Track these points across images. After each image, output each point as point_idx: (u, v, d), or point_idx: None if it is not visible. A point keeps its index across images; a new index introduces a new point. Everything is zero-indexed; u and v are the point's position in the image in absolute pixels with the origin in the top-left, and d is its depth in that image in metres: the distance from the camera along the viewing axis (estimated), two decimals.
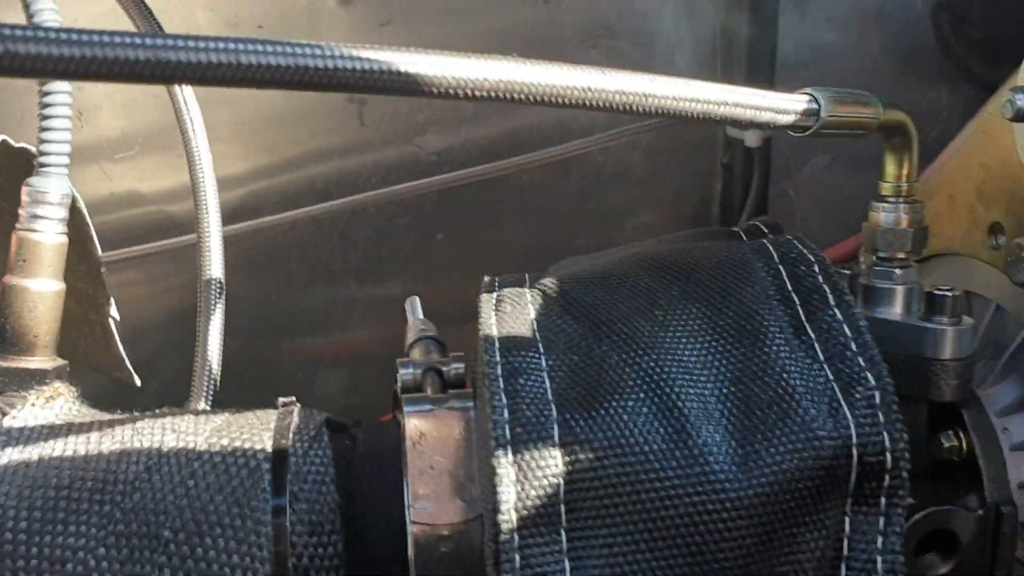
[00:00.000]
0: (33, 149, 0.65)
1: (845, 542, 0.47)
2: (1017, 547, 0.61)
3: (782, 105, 0.50)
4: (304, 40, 1.02)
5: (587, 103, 0.43)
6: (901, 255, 0.60)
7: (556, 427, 0.46)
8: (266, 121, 1.04)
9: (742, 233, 0.60)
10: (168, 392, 0.75)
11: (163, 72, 0.35)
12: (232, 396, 0.68)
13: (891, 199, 0.60)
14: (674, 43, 1.09)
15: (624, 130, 1.10)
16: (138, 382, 0.81)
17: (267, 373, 1.13)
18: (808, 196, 1.16)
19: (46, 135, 0.59)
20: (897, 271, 0.60)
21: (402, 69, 0.39)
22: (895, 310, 0.60)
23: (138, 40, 0.35)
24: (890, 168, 0.60)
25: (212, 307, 0.69)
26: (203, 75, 0.36)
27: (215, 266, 0.70)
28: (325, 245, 1.10)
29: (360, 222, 1.09)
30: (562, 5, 1.05)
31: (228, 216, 1.06)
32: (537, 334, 0.51)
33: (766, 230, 0.60)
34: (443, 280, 1.11)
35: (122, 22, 0.75)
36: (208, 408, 0.69)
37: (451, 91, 0.40)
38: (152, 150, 1.04)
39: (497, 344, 0.50)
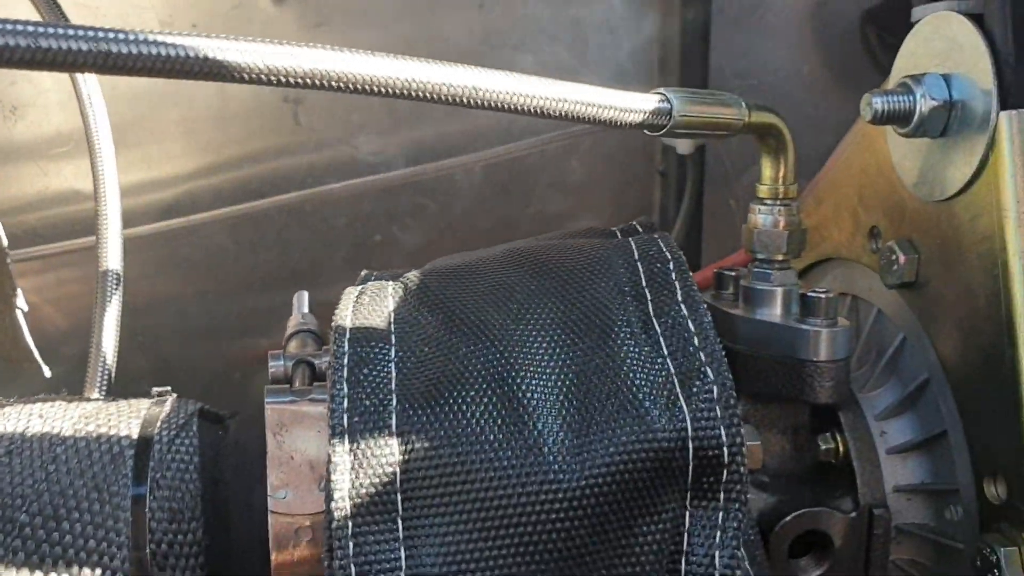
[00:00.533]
0: None
1: (684, 536, 0.47)
2: (891, 550, 0.61)
3: (630, 104, 0.50)
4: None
5: (412, 94, 0.44)
6: (779, 257, 0.61)
7: (394, 416, 0.46)
8: (206, 120, 1.05)
9: (618, 232, 0.61)
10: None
11: None
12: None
13: (768, 201, 0.61)
14: (609, 50, 1.10)
15: (561, 134, 1.10)
16: (47, 372, 0.81)
17: (204, 375, 1.13)
18: (747, 205, 1.16)
19: None
20: (775, 273, 0.61)
21: (209, 55, 0.39)
22: (774, 311, 0.61)
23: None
24: (766, 171, 0.60)
25: (108, 298, 0.70)
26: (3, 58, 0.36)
27: (112, 258, 0.70)
28: (262, 244, 1.10)
29: (297, 222, 1.09)
30: (496, 11, 1.06)
31: (164, 212, 1.07)
32: (392, 326, 0.51)
33: (640, 230, 0.60)
34: None
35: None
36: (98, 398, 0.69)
37: (263, 77, 0.41)
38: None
39: (348, 335, 0.50)
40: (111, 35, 0.39)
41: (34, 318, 0.81)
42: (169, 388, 0.60)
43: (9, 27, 0.38)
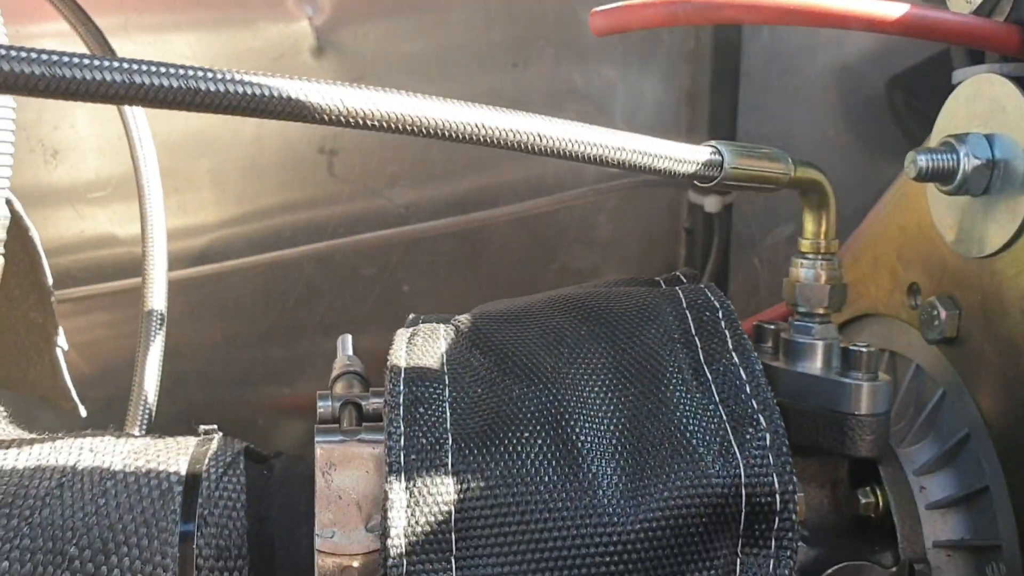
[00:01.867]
0: None
1: None
2: None
3: (683, 155, 0.52)
4: None
5: (480, 139, 0.45)
6: (820, 310, 0.61)
7: (450, 455, 0.47)
8: (240, 171, 1.07)
9: (662, 282, 0.62)
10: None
11: (60, 88, 0.38)
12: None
13: (810, 255, 0.62)
14: (638, 112, 1.12)
15: (589, 190, 1.12)
16: (83, 412, 0.82)
17: (228, 420, 1.13)
18: (771, 265, 1.18)
19: None
20: (816, 326, 0.61)
21: (291, 95, 0.41)
22: (815, 364, 0.61)
23: (36, 55, 0.37)
24: (808, 225, 0.61)
25: (152, 337, 0.70)
26: (99, 92, 0.38)
27: (157, 298, 0.71)
28: (291, 292, 1.11)
29: (327, 271, 1.11)
30: (529, 70, 1.08)
31: (195, 259, 1.08)
32: (445, 367, 0.52)
33: (684, 280, 0.61)
34: None
35: None
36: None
37: (342, 119, 0.42)
38: (125, 191, 1.06)
39: (403, 375, 0.51)
40: (200, 73, 0.40)
41: None
42: (216, 426, 0.61)
43: (107, 64, 0.39)
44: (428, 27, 1.06)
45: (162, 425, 0.79)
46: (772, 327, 0.65)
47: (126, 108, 0.76)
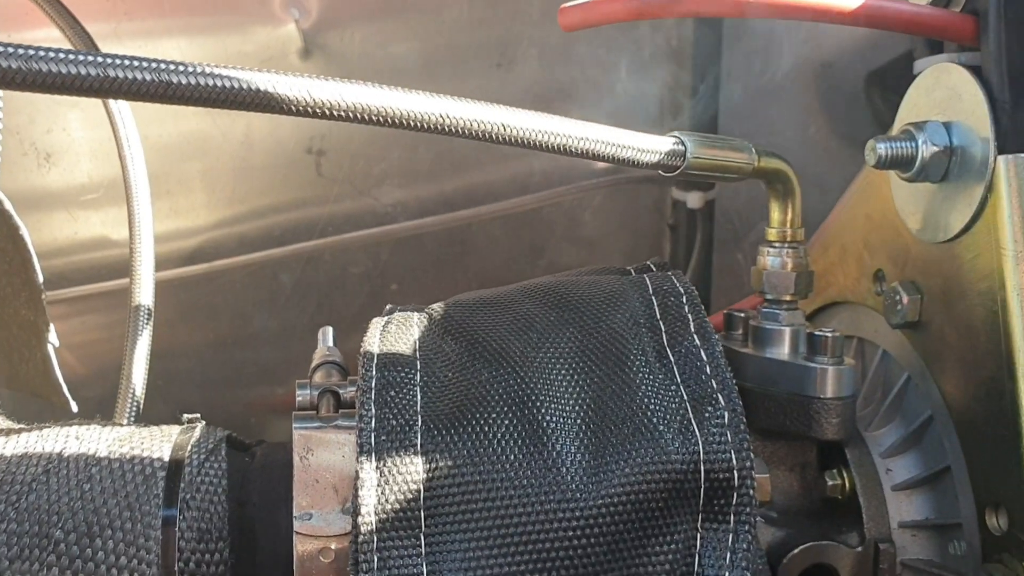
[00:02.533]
0: None
1: (696, 557, 0.49)
2: None
3: (647, 145, 0.53)
4: None
5: (445, 129, 0.47)
6: (787, 297, 0.63)
7: (420, 436, 0.49)
8: (230, 172, 1.08)
9: (632, 270, 0.63)
10: None
11: (37, 81, 0.39)
12: None
13: (776, 244, 0.63)
14: (622, 108, 1.14)
15: (574, 187, 1.14)
16: (74, 407, 0.84)
17: (220, 420, 1.15)
18: (755, 260, 1.19)
19: None
20: (783, 313, 0.63)
21: (260, 87, 0.43)
22: (782, 350, 0.63)
23: (11, 50, 0.39)
24: (775, 214, 0.63)
25: (139, 332, 0.72)
26: (75, 86, 0.39)
27: (145, 294, 0.73)
28: (281, 292, 1.13)
29: (316, 270, 1.12)
30: (515, 70, 1.10)
31: (186, 259, 1.10)
32: (417, 352, 0.53)
33: (654, 268, 0.63)
34: None
35: None
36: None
37: (310, 110, 0.44)
38: (117, 194, 1.07)
39: (376, 360, 0.52)
40: (172, 67, 0.42)
41: None
42: (199, 415, 0.63)
43: (80, 57, 0.41)
44: (413, 28, 1.08)
45: (153, 424, 0.81)
46: (742, 315, 0.67)
47: (114, 110, 0.78)
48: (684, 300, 0.55)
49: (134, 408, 0.72)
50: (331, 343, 0.68)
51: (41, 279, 0.78)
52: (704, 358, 0.51)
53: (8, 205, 0.75)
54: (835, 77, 1.11)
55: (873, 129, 1.07)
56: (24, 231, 0.76)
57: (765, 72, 1.14)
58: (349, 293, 1.13)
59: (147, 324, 0.73)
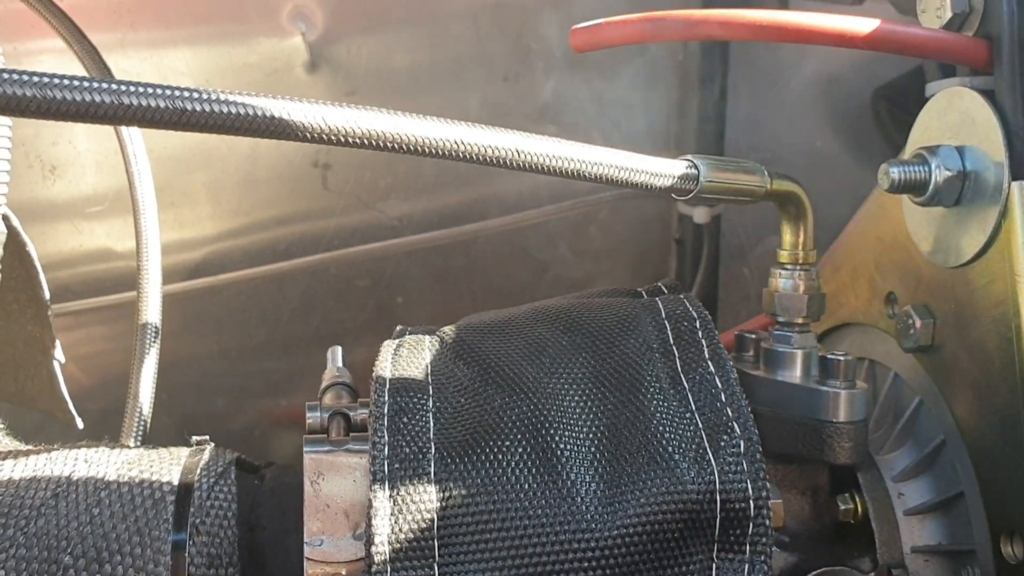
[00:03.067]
0: None
1: None
2: None
3: (660, 169, 0.53)
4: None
5: (459, 155, 0.46)
6: (799, 320, 0.63)
7: (433, 464, 0.48)
8: (236, 185, 1.08)
9: (643, 292, 0.63)
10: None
11: (51, 109, 0.39)
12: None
13: (788, 266, 0.63)
14: (628, 123, 1.13)
15: (581, 202, 1.14)
16: (80, 424, 0.83)
17: (224, 431, 1.15)
18: (762, 275, 1.19)
19: None
20: (795, 335, 0.63)
21: (274, 114, 0.42)
22: (794, 373, 0.63)
23: (27, 77, 0.39)
24: (787, 236, 0.63)
25: (146, 350, 0.72)
26: (88, 113, 0.39)
27: (152, 311, 0.73)
28: (286, 305, 1.12)
29: (322, 283, 1.12)
30: (520, 83, 1.10)
31: (192, 272, 1.10)
32: (429, 377, 0.53)
33: (666, 290, 0.62)
34: None
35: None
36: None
37: (323, 136, 0.44)
38: (122, 206, 1.07)
39: (388, 386, 0.52)
40: (186, 94, 0.42)
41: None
42: (207, 437, 0.62)
43: (96, 85, 0.41)
44: (419, 40, 1.08)
45: (158, 437, 0.81)
46: (753, 336, 0.66)
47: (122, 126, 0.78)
48: (698, 325, 0.55)
49: (141, 427, 0.71)
50: (340, 363, 0.68)
51: (47, 296, 0.78)
52: (719, 385, 0.51)
53: (16, 222, 0.75)
54: (842, 91, 1.11)
55: (881, 144, 1.07)
56: (31, 248, 0.76)
57: (772, 86, 1.14)
58: (354, 306, 1.13)
59: (154, 343, 0.73)
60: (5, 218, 0.72)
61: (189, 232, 1.09)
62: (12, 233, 0.75)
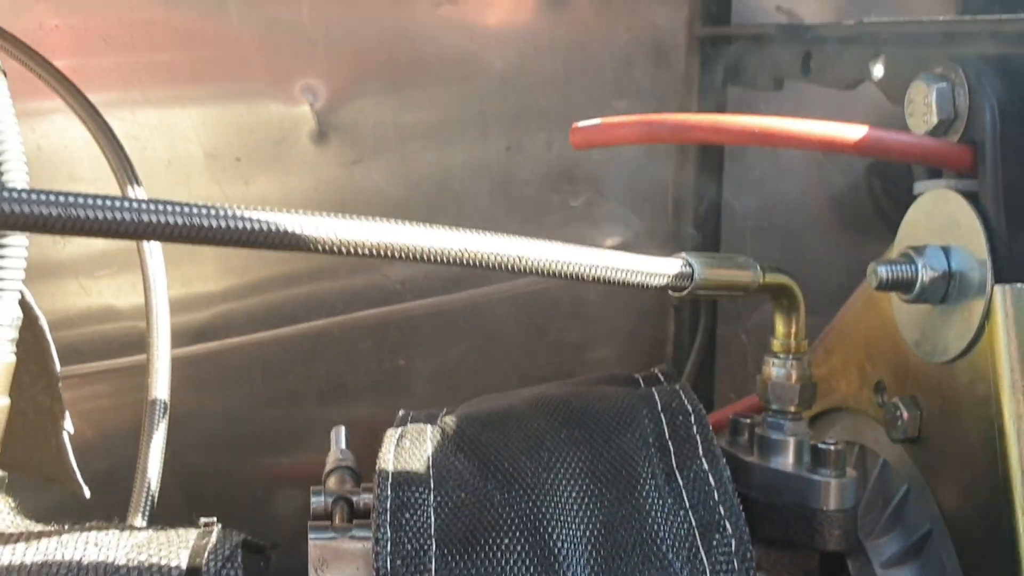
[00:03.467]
0: None
1: None
2: None
3: (655, 269, 0.55)
4: (278, 176, 1.09)
5: (465, 262, 0.49)
6: (791, 408, 0.65)
7: (434, 562, 0.50)
8: None
9: (641, 380, 0.65)
10: (127, 505, 0.79)
11: (75, 227, 0.41)
12: (186, 511, 0.72)
13: (781, 355, 0.65)
14: (628, 190, 1.16)
15: None
16: (87, 494, 0.85)
17: (227, 490, 1.16)
18: (759, 340, 1.21)
19: (2, 262, 0.64)
20: (787, 423, 0.65)
21: (287, 229, 0.45)
22: (787, 461, 0.65)
23: (52, 198, 0.41)
24: (780, 327, 0.65)
25: (155, 426, 0.73)
26: (111, 231, 0.41)
27: (161, 386, 0.75)
28: (290, 367, 1.14)
29: (325, 346, 1.14)
30: (523, 153, 1.12)
31: (198, 335, 1.11)
32: (431, 470, 0.55)
33: (663, 378, 0.64)
34: (404, 405, 1.16)
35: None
36: (144, 524, 0.73)
37: (336, 249, 0.46)
38: (131, 267, 1.09)
39: (390, 479, 0.54)
40: (203, 211, 0.44)
41: None
42: (215, 519, 0.64)
43: (118, 204, 0.43)
44: (424, 103, 1.10)
45: (162, 498, 0.82)
46: (747, 421, 0.68)
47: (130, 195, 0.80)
48: (692, 420, 0.56)
49: (149, 503, 0.73)
50: (343, 445, 0.69)
51: (58, 367, 0.80)
52: (712, 483, 0.53)
53: (29, 296, 0.77)
54: (837, 162, 1.14)
55: (872, 215, 1.09)
56: (43, 321, 0.78)
57: (770, 154, 1.17)
58: (357, 369, 1.15)
59: (163, 418, 0.75)
60: (21, 295, 0.74)
61: (195, 291, 1.11)
62: (26, 306, 0.77)
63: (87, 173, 1.02)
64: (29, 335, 0.78)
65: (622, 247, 1.16)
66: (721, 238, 1.16)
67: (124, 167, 0.82)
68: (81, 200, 0.43)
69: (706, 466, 0.54)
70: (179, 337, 1.09)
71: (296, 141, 1.07)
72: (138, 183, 0.83)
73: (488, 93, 1.10)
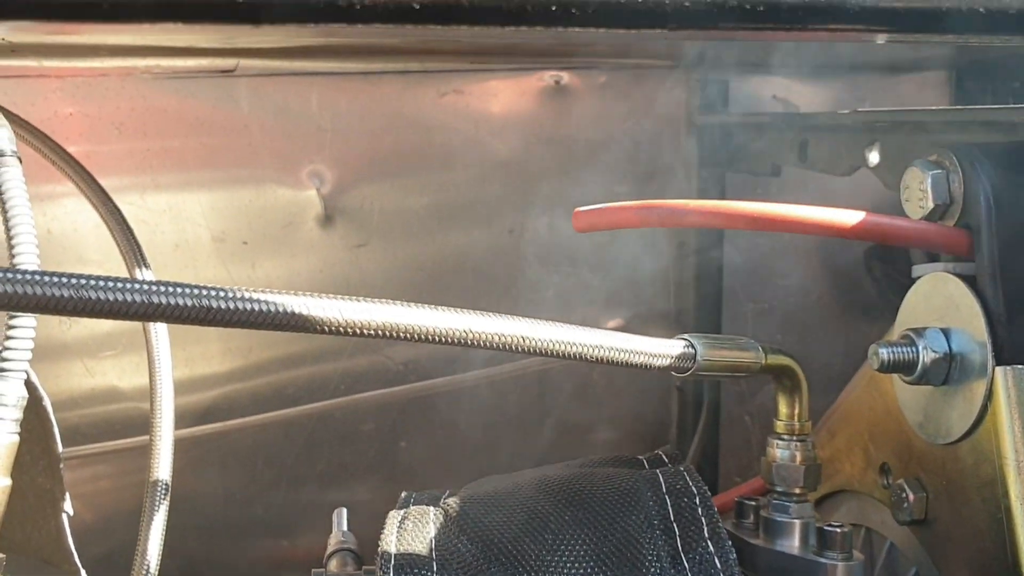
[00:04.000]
0: None
1: None
2: None
3: (659, 350, 0.56)
4: (284, 259, 1.10)
5: (469, 343, 0.49)
6: (796, 490, 0.65)
7: None
8: None
9: (645, 461, 0.65)
10: None
11: (86, 308, 0.42)
12: None
13: (785, 436, 0.65)
14: (630, 272, 1.17)
15: None
16: None
17: (227, 572, 1.15)
18: (763, 422, 1.21)
19: (10, 342, 0.65)
20: (793, 505, 0.64)
21: (294, 310, 0.45)
22: (793, 543, 0.64)
23: (64, 280, 0.42)
24: (783, 408, 0.65)
25: (156, 508, 0.73)
26: (121, 312, 0.42)
27: (164, 467, 0.74)
28: (292, 448, 1.14)
29: (326, 427, 1.13)
30: (525, 235, 1.14)
31: (201, 416, 1.11)
32: (434, 553, 0.55)
33: (667, 460, 0.64)
34: (406, 487, 1.15)
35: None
36: None
37: (341, 329, 0.46)
38: (134, 348, 1.10)
39: (392, 561, 0.54)
40: (212, 293, 0.44)
41: None
42: None
43: (128, 285, 0.44)
44: (428, 187, 1.12)
45: None
46: (753, 503, 0.68)
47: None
48: (697, 502, 0.56)
49: None
50: (345, 527, 0.69)
51: (61, 450, 0.80)
52: (718, 565, 0.52)
53: (34, 377, 0.77)
54: (837, 244, 1.15)
55: (873, 297, 1.10)
56: (47, 402, 0.78)
57: (769, 235, 1.18)
58: (358, 450, 1.14)
59: (164, 500, 0.74)
60: (27, 375, 0.74)
61: (199, 371, 1.11)
62: (31, 387, 0.77)
63: (96, 256, 1.03)
64: (33, 416, 0.78)
65: (624, 328, 1.17)
66: (722, 319, 1.17)
67: (133, 251, 0.83)
68: (92, 282, 0.44)
69: (712, 548, 0.53)
70: (182, 418, 1.09)
71: (302, 225, 1.09)
72: (147, 266, 0.84)
73: (491, 178, 1.12)
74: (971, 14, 0.44)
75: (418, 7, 0.35)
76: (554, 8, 0.36)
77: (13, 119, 0.74)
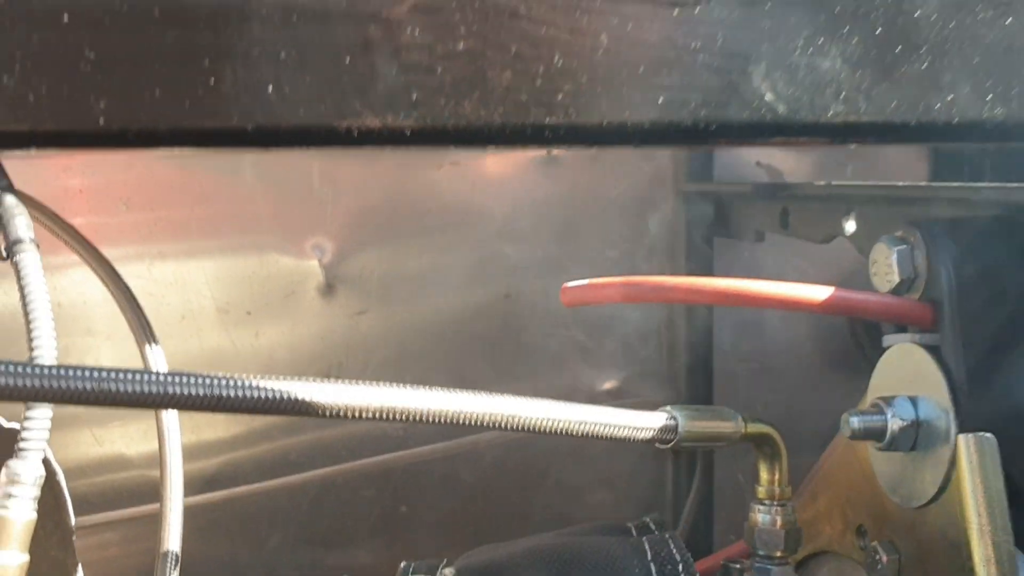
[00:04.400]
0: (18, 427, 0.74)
1: None
2: None
3: (642, 423, 0.59)
4: (286, 327, 1.13)
5: (461, 422, 0.53)
6: (777, 553, 0.67)
7: None
8: None
9: (633, 528, 0.68)
10: None
11: (106, 399, 0.46)
12: None
13: (766, 502, 0.68)
14: (623, 335, 1.21)
15: None
16: None
17: None
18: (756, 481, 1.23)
19: (29, 423, 0.68)
20: (774, 569, 0.67)
21: (298, 396, 0.49)
22: None
23: (85, 373, 0.45)
24: (763, 474, 0.68)
25: None
26: (138, 402, 0.46)
27: (174, 537, 0.77)
28: (295, 513, 1.17)
29: (329, 493, 1.16)
30: (521, 300, 1.17)
31: (206, 484, 1.14)
32: None
33: (653, 527, 0.67)
34: (407, 551, 1.17)
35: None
36: None
37: (343, 414, 0.50)
38: (141, 416, 1.13)
39: None
40: (223, 382, 0.48)
41: None
42: None
43: (145, 377, 0.47)
44: (426, 253, 1.15)
45: None
46: (737, 566, 0.71)
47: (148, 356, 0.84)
48: (680, 569, 0.59)
49: None
50: None
51: (73, 522, 0.83)
52: None
53: (49, 453, 0.80)
54: None
55: (857, 362, 1.14)
56: (61, 476, 0.81)
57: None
58: (360, 515, 1.17)
59: (174, 570, 0.77)
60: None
61: (204, 437, 1.14)
62: (45, 463, 0.80)
63: (104, 327, 1.07)
64: (47, 490, 0.81)
65: (618, 390, 1.21)
66: (714, 379, 1.20)
67: (140, 323, 0.86)
68: (113, 375, 0.47)
69: None
70: (189, 485, 1.11)
71: (304, 294, 1.12)
72: (154, 339, 0.87)
73: (486, 244, 1.17)
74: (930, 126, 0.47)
75: (408, 133, 0.40)
76: (529, 132, 0.40)
77: (27, 200, 0.78)
